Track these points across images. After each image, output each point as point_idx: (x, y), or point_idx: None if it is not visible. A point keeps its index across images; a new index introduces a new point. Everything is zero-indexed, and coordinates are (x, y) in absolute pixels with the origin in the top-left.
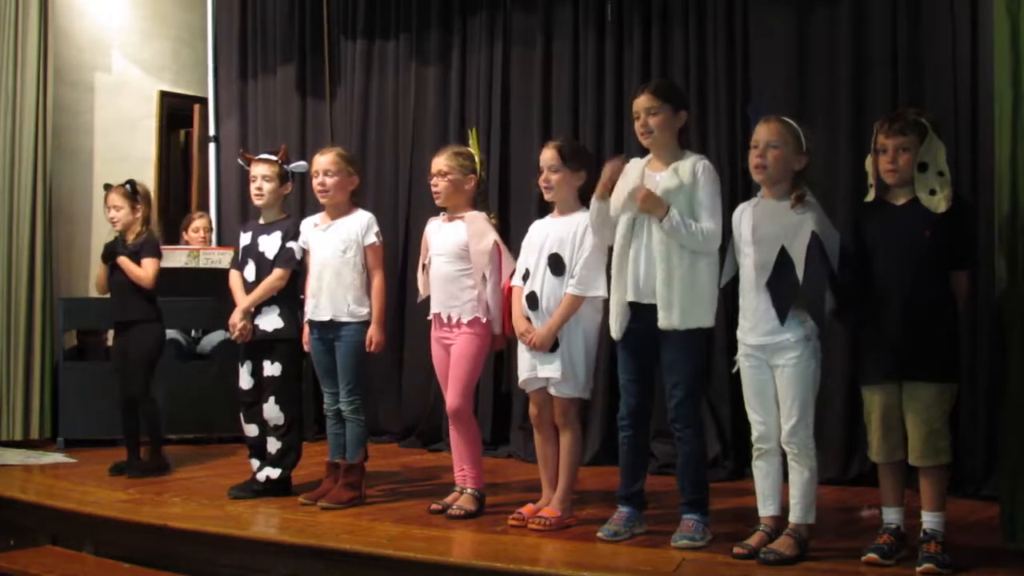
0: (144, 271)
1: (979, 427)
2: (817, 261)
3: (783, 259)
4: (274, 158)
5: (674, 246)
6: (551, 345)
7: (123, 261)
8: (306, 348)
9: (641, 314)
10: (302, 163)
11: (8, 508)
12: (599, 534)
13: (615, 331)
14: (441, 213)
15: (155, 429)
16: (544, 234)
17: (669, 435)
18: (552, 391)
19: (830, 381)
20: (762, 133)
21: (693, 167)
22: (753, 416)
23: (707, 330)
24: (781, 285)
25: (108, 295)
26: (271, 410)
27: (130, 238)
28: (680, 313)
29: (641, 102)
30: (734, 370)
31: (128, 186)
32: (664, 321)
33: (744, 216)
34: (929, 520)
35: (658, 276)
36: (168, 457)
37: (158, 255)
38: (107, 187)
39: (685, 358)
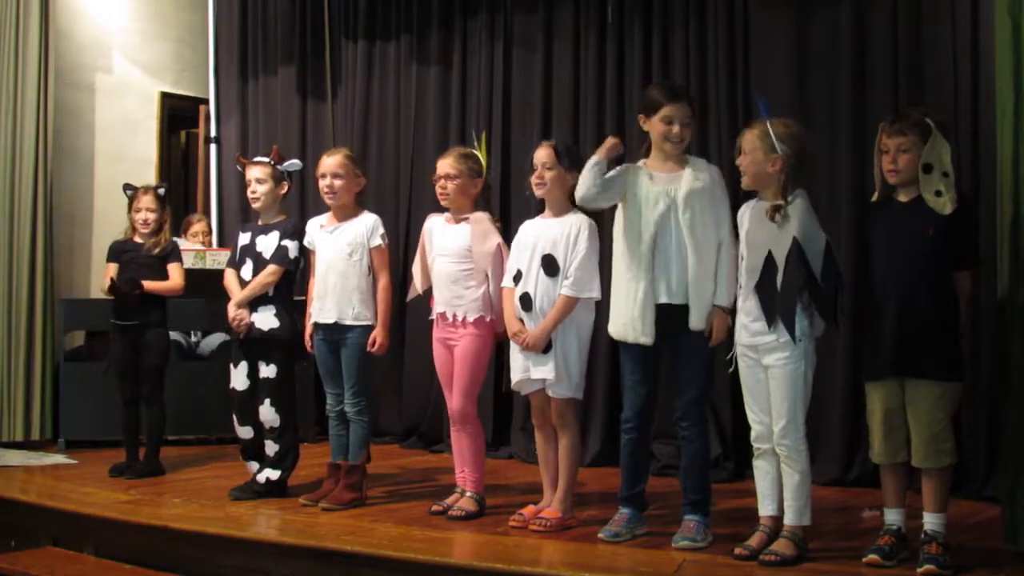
0: (174, 281)
1: (980, 428)
2: (794, 269)
3: (769, 264)
4: (266, 160)
5: (703, 249)
6: (544, 346)
7: (152, 285)
8: (310, 349)
9: (665, 311)
10: (295, 161)
11: (9, 509)
12: (600, 535)
13: (646, 336)
14: (444, 212)
15: (158, 433)
16: (536, 235)
17: (670, 436)
18: (548, 392)
19: (830, 381)
20: (742, 138)
21: (708, 169)
22: (751, 416)
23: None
24: (768, 289)
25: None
26: (267, 412)
27: (152, 242)
28: (708, 313)
29: (680, 110)
30: (730, 369)
31: (161, 190)
32: (697, 323)
33: (744, 217)
34: (931, 521)
35: (691, 278)
36: (163, 462)
37: (182, 259)
38: (131, 188)
39: (701, 358)
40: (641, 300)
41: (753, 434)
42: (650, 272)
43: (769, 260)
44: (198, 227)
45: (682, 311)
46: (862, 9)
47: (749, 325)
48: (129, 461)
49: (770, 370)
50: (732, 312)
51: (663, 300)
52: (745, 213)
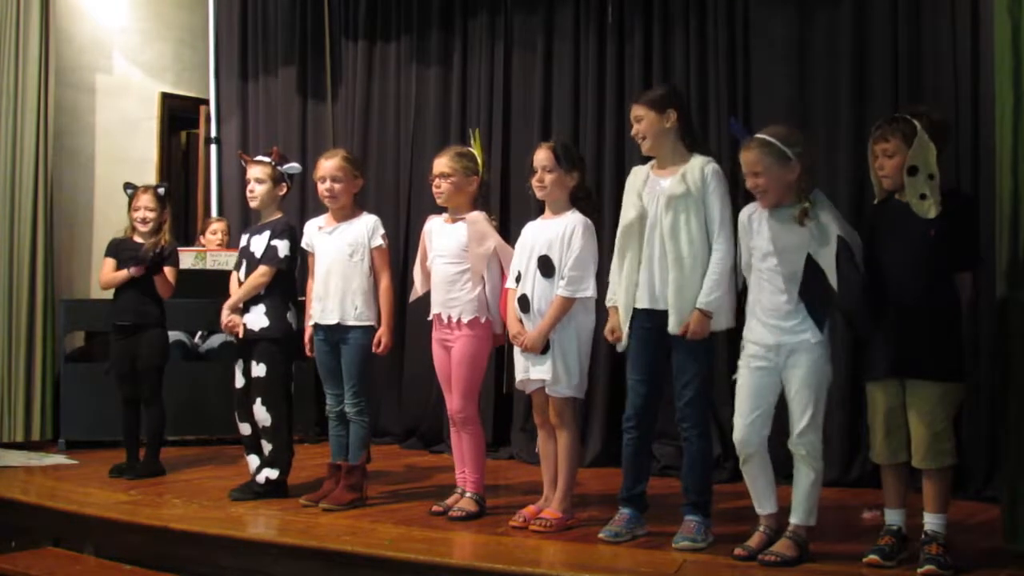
0: (167, 282)
1: (981, 428)
2: (847, 267)
3: (812, 268)
4: (267, 160)
5: (686, 254)
6: (542, 347)
7: (164, 274)
8: (308, 352)
9: (654, 315)
10: (294, 165)
11: (9, 509)
12: (600, 535)
13: (622, 344)
14: (443, 213)
15: (158, 433)
16: (534, 236)
17: (671, 437)
18: (547, 391)
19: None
20: (745, 161)
21: (702, 172)
22: (737, 419)
23: (720, 332)
24: (815, 294)
25: (110, 296)
26: (258, 411)
27: (151, 242)
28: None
29: (631, 113)
30: (735, 376)
31: (161, 190)
32: (675, 326)
33: (756, 223)
34: (931, 522)
35: (671, 285)
36: (163, 463)
37: (178, 264)
38: (131, 187)
39: (696, 360)
40: (623, 307)
41: (739, 437)
42: (633, 278)
43: (811, 264)
44: (217, 226)
45: (666, 314)
46: (862, 9)
47: (778, 324)
48: (129, 461)
49: (795, 370)
50: (740, 314)
51: (644, 305)
52: (755, 218)
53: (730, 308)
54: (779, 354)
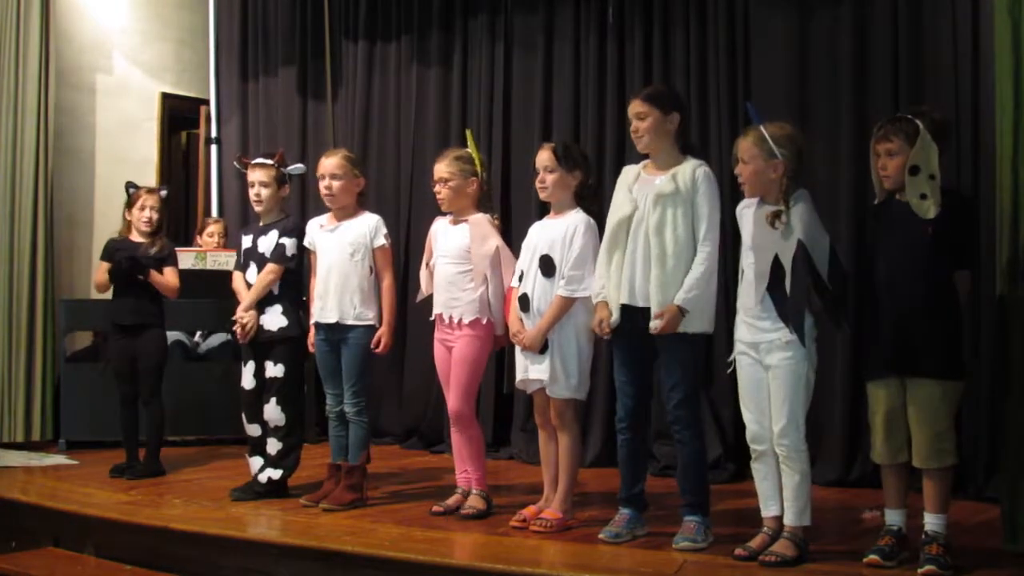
0: (173, 282)
1: (981, 428)
2: (801, 272)
3: (777, 268)
4: (270, 162)
5: (669, 252)
6: (541, 346)
7: (155, 276)
8: (311, 349)
9: (636, 315)
10: (299, 165)
11: (10, 510)
12: (600, 536)
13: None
14: (448, 214)
15: (158, 433)
16: (538, 236)
17: (670, 436)
18: (547, 392)
19: (830, 381)
20: (738, 148)
21: (693, 173)
22: (747, 415)
23: (705, 334)
24: (780, 293)
25: (109, 296)
26: (272, 411)
27: (149, 242)
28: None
29: (631, 108)
30: (729, 370)
31: (164, 192)
32: (653, 326)
33: (745, 218)
34: (932, 522)
35: (652, 282)
36: (163, 463)
37: (178, 264)
38: (134, 186)
39: (682, 361)
40: (613, 302)
41: (749, 435)
42: (618, 274)
43: (776, 264)
44: (214, 228)
45: (648, 313)
46: (862, 9)
47: (753, 322)
48: (129, 462)
49: (772, 369)
50: (731, 312)
51: (624, 300)
52: (745, 213)
53: (710, 311)
54: (758, 352)
